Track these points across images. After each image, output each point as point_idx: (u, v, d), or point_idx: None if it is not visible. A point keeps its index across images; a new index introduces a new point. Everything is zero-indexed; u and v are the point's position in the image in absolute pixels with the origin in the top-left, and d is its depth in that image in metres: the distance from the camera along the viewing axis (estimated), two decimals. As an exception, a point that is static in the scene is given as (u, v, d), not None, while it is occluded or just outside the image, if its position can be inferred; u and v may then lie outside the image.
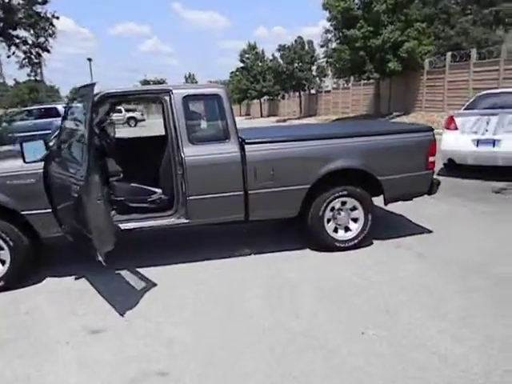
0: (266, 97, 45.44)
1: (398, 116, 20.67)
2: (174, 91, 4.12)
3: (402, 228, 5.21)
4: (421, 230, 5.09)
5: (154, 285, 3.93)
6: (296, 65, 34.92)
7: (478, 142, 7.66)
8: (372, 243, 4.72)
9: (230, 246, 4.79)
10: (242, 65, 45.35)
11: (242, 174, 4.19)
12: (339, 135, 4.53)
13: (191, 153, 4.08)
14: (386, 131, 4.70)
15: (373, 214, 4.55)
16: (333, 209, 4.52)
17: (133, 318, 3.40)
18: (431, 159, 4.61)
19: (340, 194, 4.44)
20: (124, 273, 4.18)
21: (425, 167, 4.62)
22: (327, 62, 26.02)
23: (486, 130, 7.65)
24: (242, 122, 30.53)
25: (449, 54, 19.12)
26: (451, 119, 8.23)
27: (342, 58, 21.59)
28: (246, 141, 4.22)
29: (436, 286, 3.70)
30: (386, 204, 4.65)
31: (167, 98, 4.12)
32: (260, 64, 43.90)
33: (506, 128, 7.48)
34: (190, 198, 4.13)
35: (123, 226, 4.11)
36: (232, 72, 52.06)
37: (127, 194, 4.39)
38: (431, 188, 4.73)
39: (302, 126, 6.59)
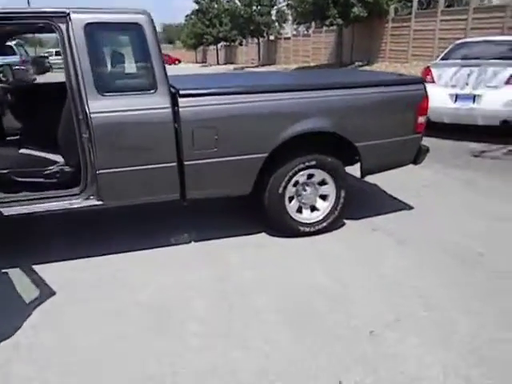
0: (222, 43, 42.88)
1: (361, 66, 19.60)
2: (72, 16, 2.82)
3: (378, 203, 4.29)
4: (399, 206, 4.20)
5: (52, 293, 2.83)
6: (254, 8, 32.64)
7: (457, 97, 6.78)
8: (344, 224, 3.78)
9: (164, 229, 3.71)
10: (197, 7, 42.24)
11: (175, 138, 3.05)
12: (306, 87, 3.42)
13: (100, 108, 2.87)
14: (364, 83, 3.64)
15: (346, 190, 3.58)
16: (296, 184, 3.50)
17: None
18: (421, 120, 3.62)
19: (306, 164, 3.40)
20: (14, 273, 3.04)
21: (412, 130, 3.64)
22: (288, 5, 24.22)
23: (466, 84, 6.76)
24: (196, 70, 28.66)
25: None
26: (427, 70, 7.26)
27: (303, 1, 19.97)
28: (181, 92, 3.05)
29: (428, 290, 2.82)
30: (362, 176, 3.67)
31: (63, 26, 2.83)
32: (216, 6, 40.99)
33: (488, 82, 6.61)
34: (102, 171, 2.97)
35: (6, 210, 2.92)
36: (187, 15, 48.61)
37: (14, 163, 3.16)
38: (418, 156, 3.78)
39: (257, 75, 5.38)
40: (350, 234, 3.63)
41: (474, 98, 6.66)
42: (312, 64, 25.06)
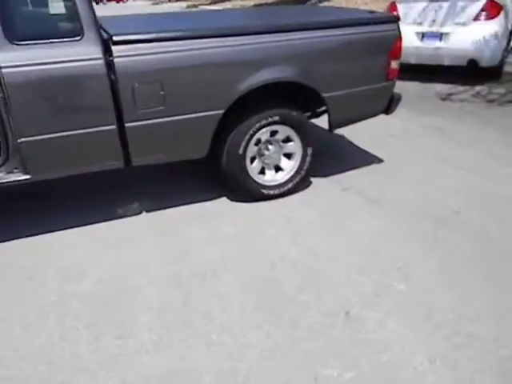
0: (174, -23, 39.85)
1: (320, 2, 18.66)
2: None
3: (346, 157, 3.97)
4: (368, 160, 3.90)
5: (-25, 287, 2.40)
6: None
7: (423, 36, 6.40)
8: (311, 184, 3.46)
9: (112, 199, 3.27)
10: None
11: (112, 95, 2.54)
12: (267, 29, 2.92)
13: (12, 61, 2.31)
14: (332, 23, 3.16)
15: (314, 147, 3.22)
16: (258, 142, 3.10)
17: None
18: (394, 65, 3.24)
19: (269, 120, 2.99)
20: None
21: (384, 77, 3.26)
22: None
23: (434, 21, 6.36)
24: (145, 10, 26.55)
25: None
26: (393, 6, 6.78)
27: None
28: (115, 38, 2.50)
29: (406, 260, 2.58)
30: (331, 130, 3.30)
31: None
32: None
33: (457, 18, 6.24)
34: (24, 139, 2.45)
35: None
36: None
37: None
38: (390, 105, 3.44)
39: (210, 15, 4.76)
40: (318, 195, 3.32)
41: (440, 36, 6.30)
42: (270, 1, 23.72)
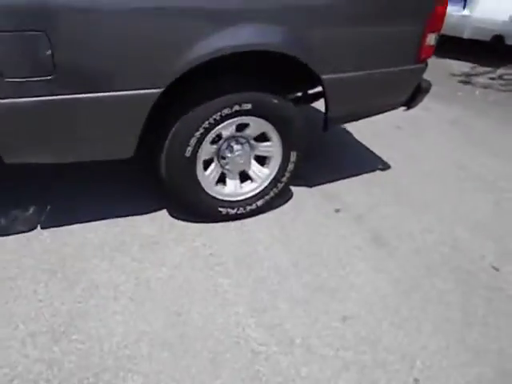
0: None
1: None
2: None
3: (341, 157, 2.97)
4: (370, 163, 2.91)
5: None
6: None
7: (446, 0, 5.26)
8: (291, 197, 2.47)
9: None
10: None
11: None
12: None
13: None
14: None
15: (301, 150, 2.20)
16: (218, 139, 2.06)
17: None
18: (430, 40, 2.18)
19: (235, 109, 1.93)
20: None
21: (415, 56, 2.21)
22: None
23: (459, -18, 5.23)
24: None
25: None
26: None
27: None
28: None
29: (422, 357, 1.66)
30: (325, 128, 2.25)
31: None
32: None
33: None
34: None
35: None
36: None
37: None
38: (414, 97, 2.41)
39: None
40: (298, 218, 2.33)
41: (465, 2, 5.20)
42: None
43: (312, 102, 2.54)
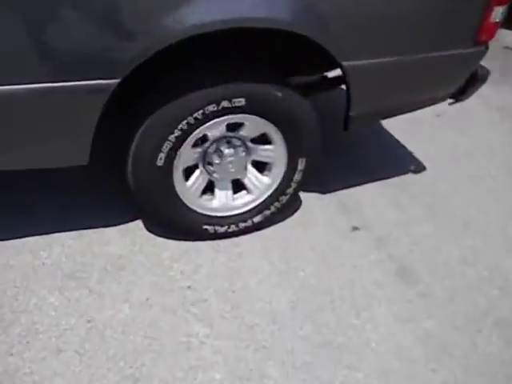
0: None
1: None
2: None
3: (366, 154, 2.44)
4: (400, 164, 2.39)
5: None
6: None
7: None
8: (299, 207, 2.00)
9: None
10: None
11: None
12: None
13: None
14: None
15: (312, 156, 1.71)
16: (202, 141, 1.59)
17: None
18: (495, 16, 1.61)
19: (223, 105, 1.45)
20: None
21: (473, 37, 1.64)
22: None
23: None
24: None
25: None
26: None
27: None
28: None
29: None
30: (346, 128, 1.73)
31: None
32: None
33: None
34: None
35: None
36: None
37: None
38: (467, 87, 1.85)
39: None
40: (304, 238, 1.86)
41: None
42: None
43: (329, 90, 2.01)
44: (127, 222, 1.84)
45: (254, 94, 1.46)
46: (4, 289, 1.54)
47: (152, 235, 1.80)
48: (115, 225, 1.82)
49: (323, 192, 2.09)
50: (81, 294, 1.55)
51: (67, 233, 1.76)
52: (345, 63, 1.46)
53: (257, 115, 1.53)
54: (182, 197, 1.63)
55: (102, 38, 1.19)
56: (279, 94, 1.50)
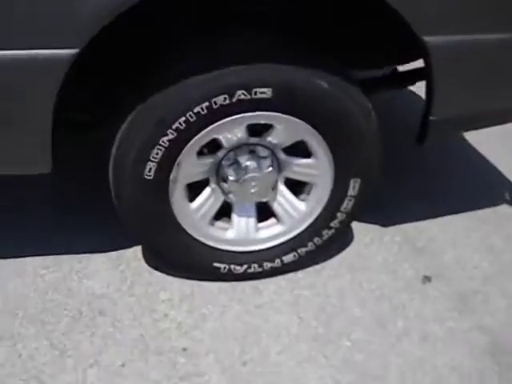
0: None
1: None
2: None
3: (445, 176, 1.87)
4: (494, 192, 1.79)
5: None
6: None
7: None
8: (350, 242, 1.49)
9: None
10: None
11: None
12: None
13: None
14: None
15: (370, 177, 1.20)
16: (213, 149, 1.14)
17: None
18: None
19: (238, 97, 0.98)
20: None
21: None
22: None
23: None
24: None
25: None
26: None
27: None
28: None
29: None
30: (422, 139, 1.21)
31: None
32: None
33: None
34: None
35: None
36: None
37: None
38: None
39: None
40: (354, 289, 1.35)
41: None
42: None
43: (398, 88, 1.49)
44: (123, 248, 1.43)
45: (286, 81, 0.99)
46: None
47: (150, 268, 1.37)
48: (107, 251, 1.42)
49: (384, 225, 1.56)
50: (37, 348, 1.14)
51: (44, 257, 1.38)
52: (427, 38, 0.96)
53: (290, 114, 1.05)
54: (182, 223, 1.18)
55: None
56: (325, 85, 1.02)
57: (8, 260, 1.37)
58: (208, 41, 1.00)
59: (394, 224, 1.58)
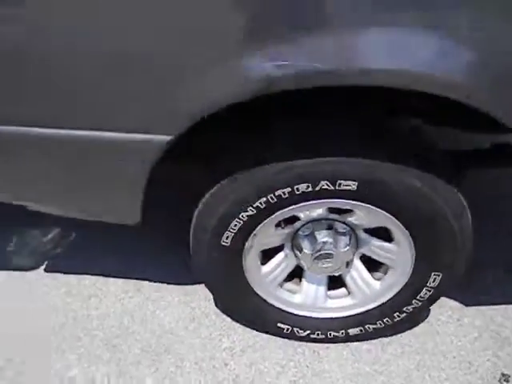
0: None
1: None
2: None
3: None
4: None
5: None
6: None
7: None
8: (424, 318, 1.40)
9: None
10: None
11: None
12: None
13: None
14: None
15: (454, 271, 1.12)
16: (292, 220, 1.13)
17: None
18: None
19: (321, 187, 0.97)
20: None
21: None
22: None
23: None
24: None
25: None
26: None
27: None
28: None
29: None
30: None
31: None
32: None
33: None
34: None
35: None
36: None
37: None
38: None
39: None
40: (422, 375, 1.27)
41: None
42: None
43: (499, 167, 1.34)
44: (198, 283, 1.50)
45: (373, 177, 0.95)
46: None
47: (218, 311, 1.42)
48: (183, 283, 1.50)
49: (465, 304, 1.45)
50: (108, 374, 1.25)
51: (126, 281, 1.49)
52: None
53: (374, 205, 1.01)
54: (253, 284, 1.21)
55: (158, 85, 0.82)
56: (416, 184, 0.96)
57: (93, 278, 1.51)
58: (295, 132, 0.98)
59: (477, 304, 1.46)
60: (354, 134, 0.96)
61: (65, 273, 1.52)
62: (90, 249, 1.62)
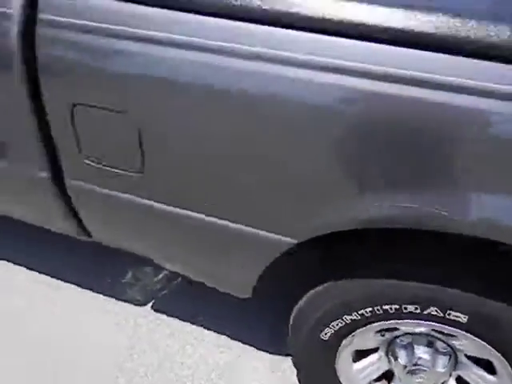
0: None
1: None
2: None
3: None
4: None
5: None
6: None
7: None
8: None
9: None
10: None
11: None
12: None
13: None
14: None
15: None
16: (391, 329, 1.15)
17: None
18: None
19: (429, 312, 0.98)
20: None
21: None
22: None
23: None
24: None
25: None
26: None
27: None
28: None
29: None
30: None
31: None
32: None
33: None
34: None
35: None
36: None
37: None
38: None
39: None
40: None
41: None
42: None
43: None
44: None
45: (488, 315, 0.95)
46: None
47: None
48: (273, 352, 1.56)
49: None
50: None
51: (218, 336, 1.59)
52: None
53: (480, 339, 1.00)
54: (341, 379, 1.24)
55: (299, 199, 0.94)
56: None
57: (193, 326, 1.63)
58: (421, 256, 1.02)
59: None
60: (473, 272, 0.97)
61: (168, 315, 1.67)
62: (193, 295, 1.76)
